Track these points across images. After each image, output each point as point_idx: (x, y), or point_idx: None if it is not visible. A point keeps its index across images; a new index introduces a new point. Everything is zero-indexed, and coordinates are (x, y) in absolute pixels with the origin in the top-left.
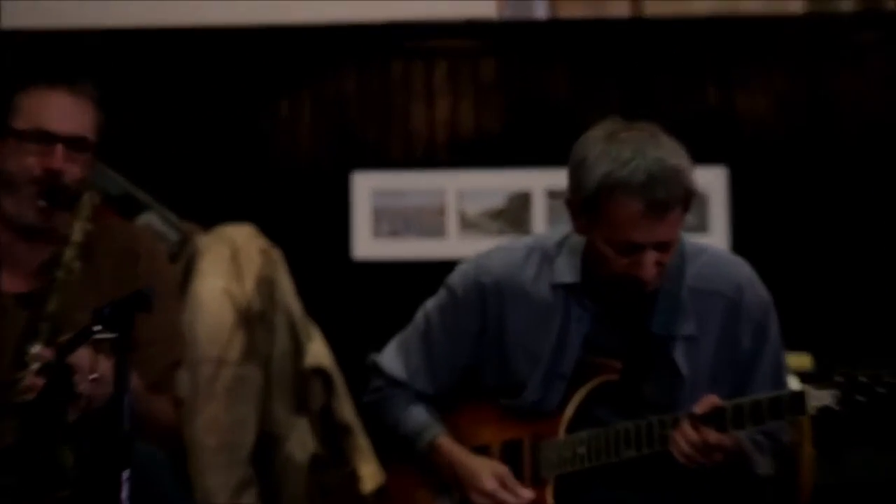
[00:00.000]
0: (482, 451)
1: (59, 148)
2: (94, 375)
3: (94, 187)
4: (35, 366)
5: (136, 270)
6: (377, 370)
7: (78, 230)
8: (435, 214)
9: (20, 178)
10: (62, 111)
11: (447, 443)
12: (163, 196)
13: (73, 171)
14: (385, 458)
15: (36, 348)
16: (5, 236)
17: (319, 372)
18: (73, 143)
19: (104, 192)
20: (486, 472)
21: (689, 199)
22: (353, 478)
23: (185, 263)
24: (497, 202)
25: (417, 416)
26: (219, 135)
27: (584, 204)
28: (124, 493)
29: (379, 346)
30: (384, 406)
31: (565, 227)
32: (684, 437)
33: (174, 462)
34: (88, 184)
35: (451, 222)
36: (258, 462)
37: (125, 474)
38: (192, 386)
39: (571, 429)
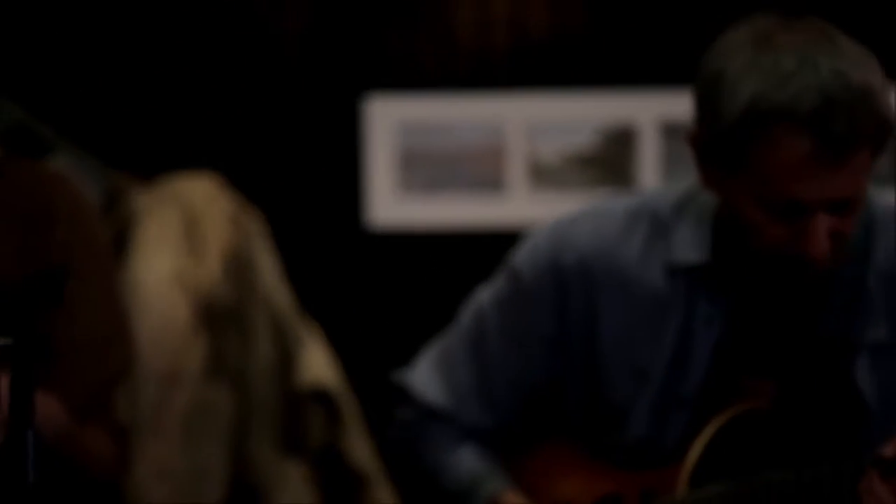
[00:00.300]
0: None
1: None
2: None
3: None
4: None
5: (52, 240)
6: (406, 395)
7: None
8: (490, 159)
9: None
10: None
11: (513, 502)
12: (80, 133)
13: None
14: None
15: None
16: None
17: (320, 395)
18: None
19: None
20: None
21: (883, 135)
22: None
23: (113, 236)
24: (584, 141)
25: (467, 462)
26: (165, 36)
27: (719, 143)
28: None
29: (408, 358)
30: (417, 447)
31: (688, 179)
32: (875, 497)
33: None
34: None
35: (516, 172)
36: None
37: None
38: (132, 416)
39: (697, 480)
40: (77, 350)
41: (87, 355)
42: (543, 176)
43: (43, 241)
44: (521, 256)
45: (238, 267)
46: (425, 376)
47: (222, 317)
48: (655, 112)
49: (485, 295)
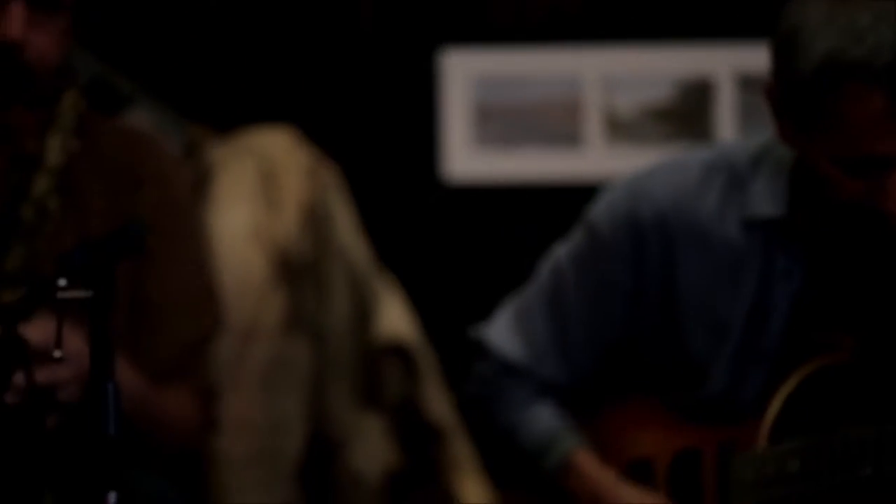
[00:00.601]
0: (642, 468)
1: (19, 6)
2: (58, 354)
3: (74, 77)
4: None
5: (139, 202)
6: (484, 350)
7: (56, 150)
8: (567, 113)
9: None
10: None
11: (587, 460)
12: (159, 86)
13: (40, 44)
14: (494, 475)
15: None
16: None
17: (397, 349)
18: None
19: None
20: None
21: None
22: (448, 501)
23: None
24: (660, 95)
25: (544, 418)
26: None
27: (794, 98)
28: None
29: (485, 312)
30: (493, 403)
31: (765, 132)
32: None
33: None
34: (67, 72)
35: (592, 125)
36: (308, 479)
37: (111, 498)
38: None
39: (776, 435)
40: (166, 310)
41: (176, 316)
42: (620, 130)
43: (130, 202)
44: (598, 211)
45: (315, 221)
46: (503, 331)
47: (300, 271)
48: (732, 65)
49: (562, 250)
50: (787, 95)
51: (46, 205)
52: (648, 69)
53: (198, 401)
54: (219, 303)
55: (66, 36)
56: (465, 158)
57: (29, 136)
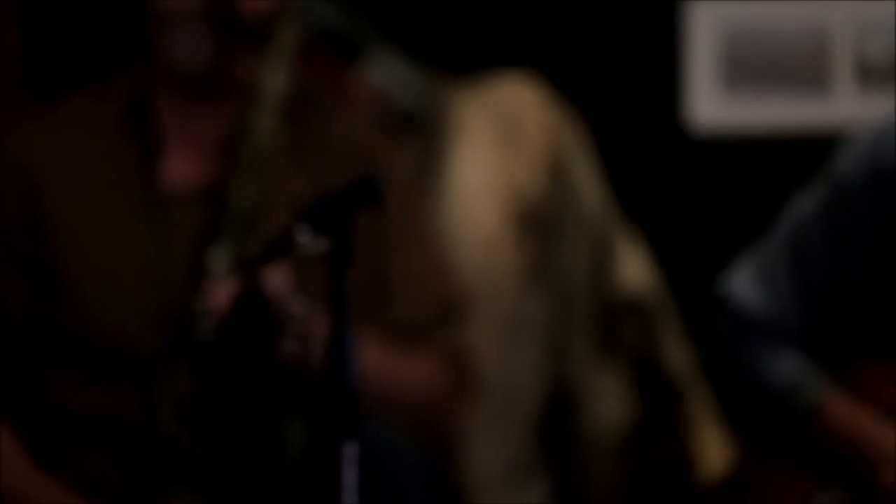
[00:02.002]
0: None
1: None
2: (297, 304)
3: (297, 22)
4: (220, 285)
5: (367, 156)
6: (726, 303)
7: (273, 82)
8: (814, 58)
9: (177, 12)
10: None
11: (840, 403)
12: (396, 32)
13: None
14: (738, 429)
15: (219, 261)
16: (166, 101)
17: (637, 305)
18: None
19: (314, 31)
20: None
21: None
22: (688, 457)
23: (428, 141)
24: None
25: (791, 365)
26: None
27: None
28: (349, 480)
29: (727, 264)
30: (737, 353)
31: None
32: None
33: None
34: (287, 17)
35: (841, 70)
36: (548, 435)
37: (350, 450)
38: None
39: None
40: (405, 287)
41: (415, 291)
42: (870, 76)
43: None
44: (842, 163)
45: (557, 173)
46: (745, 283)
47: (540, 225)
48: None
49: (805, 202)
50: None
51: (265, 139)
52: None
53: (446, 369)
54: (454, 279)
55: None
56: (712, 108)
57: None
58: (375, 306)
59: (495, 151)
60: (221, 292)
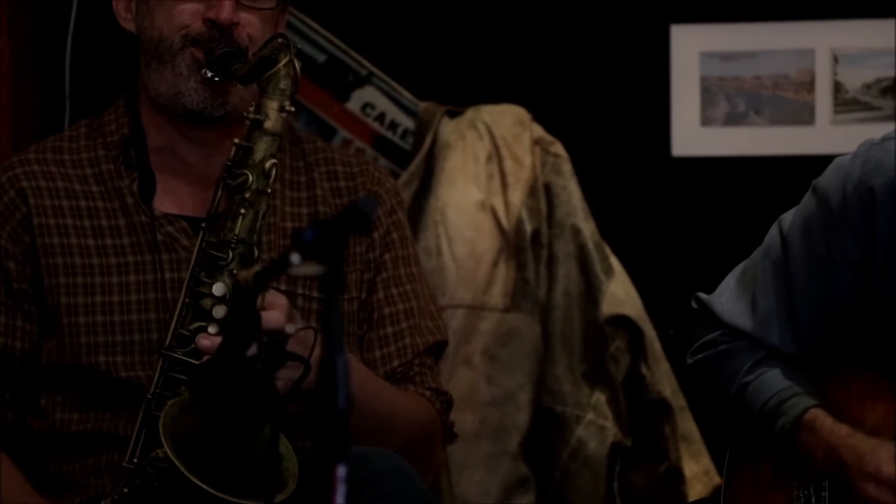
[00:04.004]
0: None
1: None
2: (291, 329)
3: (292, 51)
4: (219, 310)
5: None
6: (708, 317)
7: (274, 113)
8: (798, 88)
9: (170, 40)
10: None
11: (823, 418)
12: (393, 64)
13: (251, 25)
14: (722, 448)
15: (218, 289)
16: (162, 134)
17: (623, 323)
18: None
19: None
20: (885, 452)
21: None
22: (674, 477)
23: (422, 164)
24: (891, 70)
25: (775, 380)
26: None
27: None
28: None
29: (711, 283)
30: (721, 366)
31: None
32: None
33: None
34: (281, 46)
35: (823, 99)
36: (534, 453)
37: (340, 471)
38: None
39: None
40: (396, 322)
41: (406, 327)
42: (846, 105)
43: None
44: (828, 180)
45: (543, 198)
46: (727, 298)
47: (527, 246)
48: None
49: (790, 218)
50: None
51: (266, 168)
52: (875, 44)
53: (435, 405)
54: (441, 315)
55: (278, 18)
56: (693, 135)
57: (248, 105)
58: (368, 339)
59: (484, 175)
60: (218, 320)
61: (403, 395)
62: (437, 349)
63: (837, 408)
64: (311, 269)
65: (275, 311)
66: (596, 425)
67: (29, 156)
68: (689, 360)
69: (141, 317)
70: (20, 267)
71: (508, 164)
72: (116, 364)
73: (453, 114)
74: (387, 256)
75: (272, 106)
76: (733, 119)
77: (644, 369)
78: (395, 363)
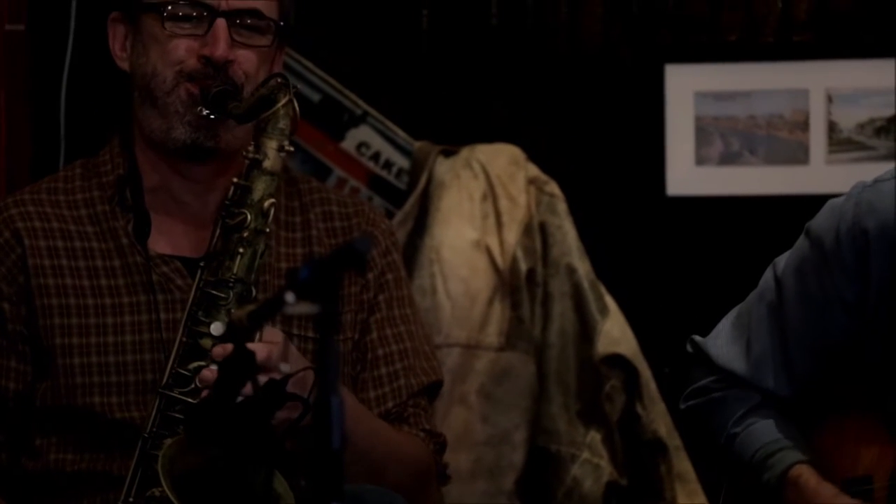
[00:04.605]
0: (860, 484)
1: (221, 25)
2: (286, 367)
3: (291, 90)
4: (213, 352)
5: (370, 267)
6: (703, 360)
7: (273, 152)
8: (792, 128)
9: (164, 76)
10: None
11: (808, 475)
12: (388, 104)
13: (246, 63)
14: (717, 490)
15: (217, 328)
16: (157, 172)
17: (618, 362)
18: (243, 20)
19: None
20: None
21: None
22: None
23: (417, 203)
24: (885, 110)
25: (764, 432)
26: (469, 9)
27: None
28: None
29: (706, 322)
30: (713, 414)
31: None
32: None
33: None
34: (280, 85)
35: (817, 139)
36: (530, 492)
37: None
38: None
39: None
40: (391, 364)
41: (401, 368)
42: (841, 145)
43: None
44: (821, 222)
45: (538, 237)
46: (723, 341)
47: (522, 285)
48: None
49: (784, 261)
50: None
51: (265, 208)
52: (870, 83)
53: (429, 446)
54: (435, 355)
55: (273, 56)
56: (688, 175)
57: (247, 144)
58: (363, 379)
59: (478, 215)
60: (213, 358)
61: (399, 434)
62: (432, 390)
63: (831, 451)
64: (306, 308)
65: (268, 345)
66: (591, 464)
67: (24, 196)
68: (682, 406)
69: (136, 357)
70: (15, 308)
71: (503, 204)
72: (111, 405)
73: (448, 153)
74: (381, 297)
75: (271, 146)
76: (728, 159)
77: (639, 408)
78: (390, 404)
